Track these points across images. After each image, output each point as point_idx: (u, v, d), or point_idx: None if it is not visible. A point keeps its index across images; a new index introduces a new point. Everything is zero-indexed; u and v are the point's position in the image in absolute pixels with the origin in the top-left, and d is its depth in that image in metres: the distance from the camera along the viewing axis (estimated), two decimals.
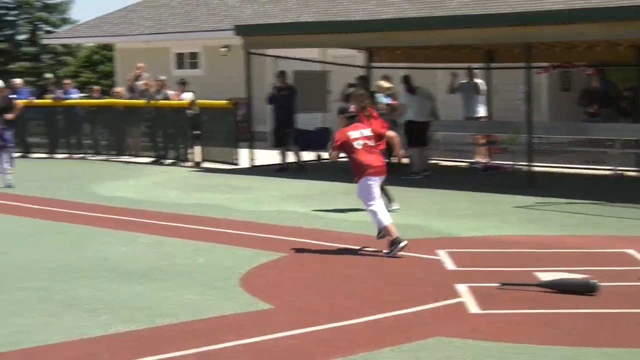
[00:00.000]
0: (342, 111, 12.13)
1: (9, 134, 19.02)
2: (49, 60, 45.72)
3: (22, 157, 23.93)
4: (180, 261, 11.00)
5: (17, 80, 26.75)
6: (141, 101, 23.35)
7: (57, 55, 46.09)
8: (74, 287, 9.59)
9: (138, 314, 8.46)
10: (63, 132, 25.70)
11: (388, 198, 13.84)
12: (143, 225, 13.59)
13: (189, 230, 13.18)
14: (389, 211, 11.77)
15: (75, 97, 25.90)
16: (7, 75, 36.80)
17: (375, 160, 11.46)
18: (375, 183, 11.36)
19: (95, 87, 27.79)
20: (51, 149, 25.38)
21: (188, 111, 22.23)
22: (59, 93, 25.35)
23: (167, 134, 23.11)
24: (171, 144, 23.07)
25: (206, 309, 8.67)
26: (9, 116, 20.97)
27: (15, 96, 23.35)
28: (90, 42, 41.03)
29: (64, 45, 44.45)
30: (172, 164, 22.28)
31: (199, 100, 22.50)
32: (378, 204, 11.30)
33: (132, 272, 10.33)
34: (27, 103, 24.02)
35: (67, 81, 27.15)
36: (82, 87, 35.74)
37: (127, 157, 23.82)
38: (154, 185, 18.57)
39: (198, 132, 21.95)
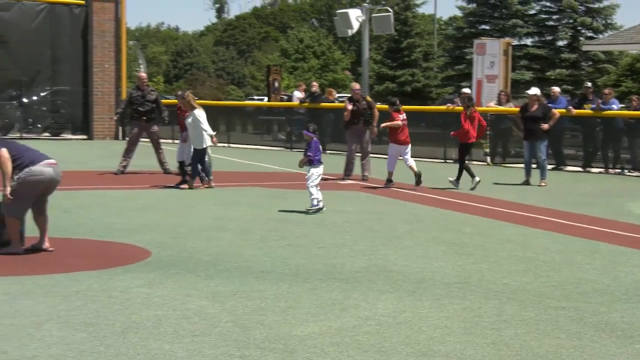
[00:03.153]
0: (392, 103, 20.54)
1: (319, 147, 16.59)
2: (589, 67, 46.14)
3: (554, 169, 24.51)
4: None
5: (555, 89, 27.35)
6: None
7: (597, 63, 46.40)
8: (606, 311, 9.75)
9: None
10: (600, 145, 25.97)
11: (471, 174, 20.49)
12: None
13: None
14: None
15: (615, 108, 25.91)
16: (544, 83, 37.92)
17: (406, 135, 20.32)
18: (396, 147, 20.28)
19: (635, 97, 27.60)
20: (586, 162, 25.72)
21: None
22: (599, 103, 25.57)
23: None
24: None
25: None
26: (544, 126, 21.61)
27: (553, 105, 23.95)
28: (634, 50, 40.94)
29: (605, 52, 44.68)
30: None
31: None
32: (391, 159, 20.33)
33: None
34: (564, 113, 24.52)
35: (607, 90, 27.27)
36: (621, 97, 35.72)
37: None
38: None
39: None
